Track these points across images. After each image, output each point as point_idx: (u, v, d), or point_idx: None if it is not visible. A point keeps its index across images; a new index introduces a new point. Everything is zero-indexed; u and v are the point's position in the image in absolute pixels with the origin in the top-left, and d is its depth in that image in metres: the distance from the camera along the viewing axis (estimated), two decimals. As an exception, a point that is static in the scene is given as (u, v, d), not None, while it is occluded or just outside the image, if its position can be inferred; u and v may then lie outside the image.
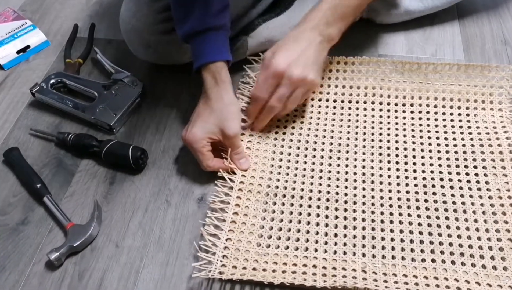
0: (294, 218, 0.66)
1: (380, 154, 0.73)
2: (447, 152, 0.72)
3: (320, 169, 0.71)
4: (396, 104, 0.80)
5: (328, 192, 0.68)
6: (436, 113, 0.78)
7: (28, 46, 0.95)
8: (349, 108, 0.80)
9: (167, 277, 0.62)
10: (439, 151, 0.72)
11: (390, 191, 0.68)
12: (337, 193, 0.68)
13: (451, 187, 0.68)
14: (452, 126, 0.76)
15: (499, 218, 0.64)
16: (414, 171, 0.70)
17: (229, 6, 0.71)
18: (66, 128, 0.81)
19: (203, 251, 0.62)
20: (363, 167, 0.71)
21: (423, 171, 0.70)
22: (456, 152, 0.72)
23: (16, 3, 1.06)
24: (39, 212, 0.70)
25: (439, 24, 0.96)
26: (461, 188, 0.68)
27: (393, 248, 0.62)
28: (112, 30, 0.98)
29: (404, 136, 0.75)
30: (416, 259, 0.61)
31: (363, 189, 0.68)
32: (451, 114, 0.77)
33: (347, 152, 0.73)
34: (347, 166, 0.71)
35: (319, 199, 0.68)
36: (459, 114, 0.77)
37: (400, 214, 0.65)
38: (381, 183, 0.69)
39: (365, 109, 0.79)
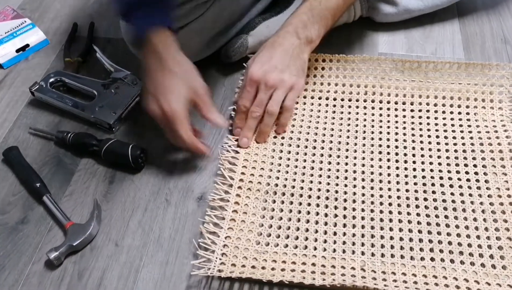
0: (293, 216, 0.66)
1: (380, 152, 0.73)
2: (447, 150, 0.72)
3: (320, 167, 0.71)
4: (396, 103, 0.80)
5: (328, 191, 0.68)
6: (436, 111, 0.78)
7: (27, 45, 0.95)
8: (349, 107, 0.80)
9: (166, 276, 0.62)
10: (439, 150, 0.72)
11: (389, 189, 0.68)
12: (336, 192, 0.68)
13: (451, 186, 0.68)
14: (452, 125, 0.76)
15: (498, 217, 0.64)
16: (414, 169, 0.70)
17: None
18: (66, 127, 0.81)
19: (202, 249, 0.62)
20: (363, 165, 0.71)
21: (423, 170, 0.70)
22: (456, 151, 0.72)
23: (15, 1, 1.06)
24: (39, 211, 0.70)
25: (439, 22, 0.96)
26: (460, 186, 0.68)
27: (392, 247, 0.62)
28: (112, 29, 0.98)
29: (404, 134, 0.75)
30: (415, 257, 0.61)
31: (363, 187, 0.68)
32: (451, 112, 0.77)
33: (347, 150, 0.73)
34: (346, 164, 0.71)
35: (318, 197, 0.68)
36: (459, 113, 0.77)
37: (399, 213, 0.65)
38: (380, 181, 0.69)
39: (365, 107, 0.79)
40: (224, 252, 0.62)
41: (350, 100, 0.81)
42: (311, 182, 0.70)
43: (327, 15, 0.76)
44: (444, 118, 0.77)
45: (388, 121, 0.77)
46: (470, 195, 0.67)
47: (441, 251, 0.62)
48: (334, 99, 0.81)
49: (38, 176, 0.72)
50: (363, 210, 0.66)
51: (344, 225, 0.65)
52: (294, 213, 0.66)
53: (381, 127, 0.76)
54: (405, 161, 0.71)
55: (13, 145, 0.77)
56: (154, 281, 0.62)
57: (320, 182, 0.69)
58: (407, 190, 0.68)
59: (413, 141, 0.74)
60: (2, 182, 0.74)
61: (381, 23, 0.95)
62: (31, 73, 0.91)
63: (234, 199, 0.67)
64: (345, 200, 0.67)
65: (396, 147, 0.73)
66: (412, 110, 0.78)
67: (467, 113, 0.77)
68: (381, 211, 0.66)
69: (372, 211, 0.66)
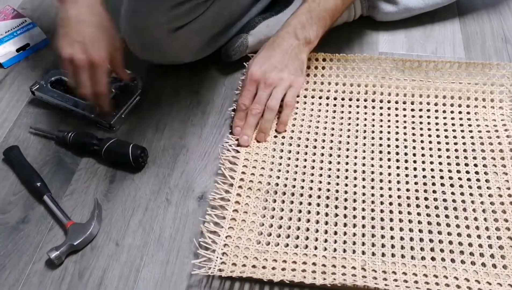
0: (294, 216, 0.66)
1: (381, 152, 0.73)
2: (447, 150, 0.72)
3: (320, 166, 0.71)
4: (396, 102, 0.79)
5: (328, 190, 0.68)
6: (436, 111, 0.78)
7: (27, 44, 0.94)
8: (350, 106, 0.80)
9: (167, 275, 0.62)
10: (439, 149, 0.72)
11: (390, 189, 0.68)
12: (337, 191, 0.68)
13: (451, 185, 0.68)
14: (453, 124, 0.76)
15: (499, 216, 0.64)
16: (415, 169, 0.70)
17: None
18: (66, 126, 0.81)
19: (203, 248, 0.62)
20: (363, 165, 0.71)
21: (423, 169, 0.70)
22: (456, 150, 0.72)
23: (15, 1, 1.06)
24: (39, 210, 0.70)
25: (440, 22, 0.96)
26: (461, 186, 0.68)
27: (392, 246, 0.62)
28: (112, 28, 0.98)
29: (405, 134, 0.75)
30: (416, 257, 0.61)
31: (363, 187, 0.68)
32: (452, 112, 0.77)
33: (348, 150, 0.73)
34: (347, 164, 0.71)
35: (319, 197, 0.68)
36: (460, 112, 0.77)
37: (400, 212, 0.65)
38: (381, 181, 0.69)
39: (365, 107, 0.79)
40: (224, 251, 0.62)
41: (350, 99, 0.81)
42: (312, 181, 0.70)
43: (325, 16, 0.77)
44: (444, 118, 0.77)
45: (389, 121, 0.77)
46: (471, 194, 0.67)
47: (441, 250, 0.62)
48: (335, 99, 0.81)
49: (38, 175, 0.72)
50: (363, 209, 0.66)
51: (345, 225, 0.65)
52: (295, 213, 0.66)
53: (381, 126, 0.76)
54: (406, 161, 0.71)
55: (13, 144, 0.77)
56: (154, 280, 0.62)
57: (320, 182, 0.69)
58: (407, 190, 0.68)
59: (414, 141, 0.74)
60: (3, 182, 0.74)
61: (382, 22, 0.95)
62: (31, 73, 0.91)
63: (234, 199, 0.67)
64: (345, 200, 0.67)
65: (397, 146, 0.73)
66: (412, 110, 0.78)
67: (468, 113, 0.77)
68: (381, 211, 0.66)
69: (372, 210, 0.66)
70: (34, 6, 1.06)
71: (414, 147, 0.73)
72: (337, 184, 0.69)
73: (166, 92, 0.85)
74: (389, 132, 0.75)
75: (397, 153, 0.72)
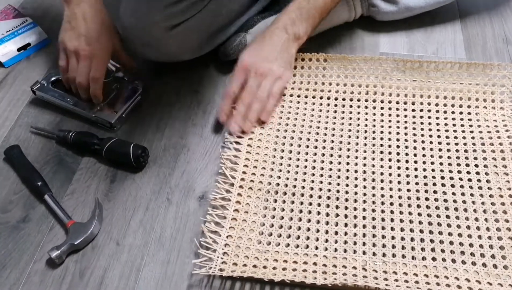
0: (294, 216, 0.66)
1: (381, 152, 0.73)
2: (448, 150, 0.72)
3: (321, 167, 0.71)
4: (397, 103, 0.79)
5: (329, 190, 0.68)
6: (437, 111, 0.78)
7: (28, 44, 0.95)
8: (350, 106, 0.80)
9: (168, 275, 0.62)
10: (440, 150, 0.72)
11: (391, 189, 0.68)
12: (337, 191, 0.68)
13: (452, 186, 0.68)
14: (454, 125, 0.76)
15: (500, 217, 0.64)
16: (415, 169, 0.70)
17: None
18: (67, 125, 0.81)
19: (204, 248, 0.62)
20: (364, 165, 0.71)
21: (424, 170, 0.70)
22: (457, 151, 0.72)
23: (16, 0, 1.06)
24: (40, 210, 0.70)
25: (441, 22, 0.96)
26: (462, 186, 0.68)
27: (393, 246, 0.62)
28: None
29: (406, 134, 0.75)
30: (417, 257, 0.61)
31: (364, 187, 0.68)
32: (453, 112, 0.77)
33: (348, 150, 0.73)
34: (348, 164, 0.71)
35: (319, 197, 0.68)
36: (461, 113, 0.77)
37: (401, 212, 0.65)
38: (382, 181, 0.69)
39: (366, 107, 0.79)
40: (225, 251, 0.62)
41: (351, 100, 0.81)
42: (312, 181, 0.70)
43: (314, 14, 0.80)
44: (445, 118, 0.77)
45: (390, 121, 0.77)
46: (472, 195, 0.67)
47: (442, 250, 0.62)
48: (336, 99, 0.81)
49: (39, 175, 0.72)
50: (364, 209, 0.66)
51: (346, 225, 0.65)
52: (296, 213, 0.66)
53: (382, 127, 0.76)
54: (407, 161, 0.71)
55: (14, 144, 0.77)
56: (155, 280, 0.62)
57: (321, 182, 0.69)
58: (408, 190, 0.68)
59: (415, 141, 0.74)
60: (4, 181, 0.74)
61: (383, 22, 0.95)
62: (32, 72, 0.91)
63: (235, 198, 0.67)
64: (346, 200, 0.67)
65: (398, 147, 0.73)
66: (413, 110, 0.78)
67: (469, 113, 0.77)
68: (382, 211, 0.66)
69: (373, 210, 0.66)
70: (35, 5, 1.06)
71: (415, 147, 0.73)
72: (338, 184, 0.69)
73: (166, 92, 0.85)
74: (390, 132, 0.75)
75: (398, 153, 0.72)
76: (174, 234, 0.66)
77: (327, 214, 0.66)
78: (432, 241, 0.62)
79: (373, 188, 0.68)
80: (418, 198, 0.67)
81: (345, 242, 0.63)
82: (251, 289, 0.61)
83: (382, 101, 0.80)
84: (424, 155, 0.72)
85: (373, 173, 0.70)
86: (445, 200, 0.66)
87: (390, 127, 0.76)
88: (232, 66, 0.87)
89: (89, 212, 0.69)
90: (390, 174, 0.70)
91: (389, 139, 0.74)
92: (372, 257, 0.61)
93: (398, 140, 0.74)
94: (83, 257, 0.65)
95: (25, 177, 0.73)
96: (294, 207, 0.67)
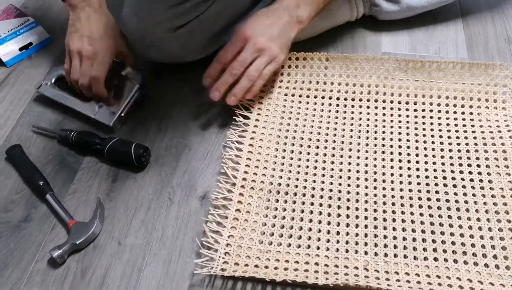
0: (296, 216, 0.66)
1: (383, 152, 0.73)
2: (450, 150, 0.72)
3: (323, 166, 0.71)
4: (399, 102, 0.79)
5: (331, 190, 0.68)
6: (439, 111, 0.78)
7: (30, 43, 0.95)
8: (352, 106, 0.79)
9: (169, 274, 0.62)
10: (442, 150, 0.72)
11: (392, 189, 0.68)
12: (339, 191, 0.68)
13: (454, 186, 0.68)
14: (456, 125, 0.75)
15: (502, 217, 0.64)
16: (417, 169, 0.70)
17: None
18: (69, 125, 0.81)
19: (206, 248, 0.63)
20: (366, 165, 0.71)
21: (426, 170, 0.70)
22: (459, 151, 0.72)
23: (18, 0, 1.06)
24: (42, 209, 0.70)
25: (442, 22, 0.96)
26: (464, 186, 0.68)
27: (395, 247, 0.62)
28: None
29: (407, 134, 0.75)
30: (418, 257, 0.61)
31: (366, 187, 0.68)
32: (455, 112, 0.77)
33: (350, 150, 0.73)
34: (350, 164, 0.71)
35: (321, 196, 0.68)
36: (463, 113, 0.77)
37: (402, 213, 0.65)
38: (383, 181, 0.69)
39: (368, 107, 0.79)
40: (227, 251, 0.62)
41: (353, 99, 0.80)
42: (314, 181, 0.69)
43: (319, 0, 0.78)
44: (447, 118, 0.77)
45: (392, 121, 0.77)
46: (474, 195, 0.67)
47: (444, 251, 0.61)
48: (337, 99, 0.81)
49: (41, 174, 0.72)
50: (366, 209, 0.66)
51: (347, 225, 0.65)
52: (297, 213, 0.66)
53: (384, 127, 0.76)
54: (408, 161, 0.71)
55: (16, 143, 0.77)
56: (157, 279, 0.62)
57: (323, 182, 0.69)
58: (410, 190, 0.68)
59: (416, 141, 0.74)
60: (5, 180, 0.74)
61: (385, 22, 0.94)
62: (34, 72, 0.91)
63: (237, 198, 0.67)
64: (348, 200, 0.67)
65: (399, 147, 0.73)
66: (415, 110, 0.78)
67: (471, 113, 0.77)
68: (384, 211, 0.66)
69: (375, 211, 0.66)
70: (36, 5, 1.06)
71: (416, 147, 0.73)
72: (340, 184, 0.69)
73: (168, 92, 0.85)
74: (391, 132, 0.75)
75: (400, 153, 0.72)
76: (175, 234, 0.66)
77: (329, 214, 0.66)
78: (434, 241, 0.62)
79: (375, 188, 0.68)
80: (420, 198, 0.67)
81: (347, 242, 0.63)
82: (253, 289, 0.61)
83: (384, 101, 0.80)
84: (426, 155, 0.72)
85: (375, 173, 0.70)
86: (447, 200, 0.66)
87: (392, 127, 0.76)
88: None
89: (91, 212, 0.69)
90: (392, 174, 0.70)
91: (391, 139, 0.74)
92: (373, 257, 0.61)
93: (400, 140, 0.74)
94: (84, 257, 0.65)
95: (27, 177, 0.73)
96: (295, 207, 0.67)
